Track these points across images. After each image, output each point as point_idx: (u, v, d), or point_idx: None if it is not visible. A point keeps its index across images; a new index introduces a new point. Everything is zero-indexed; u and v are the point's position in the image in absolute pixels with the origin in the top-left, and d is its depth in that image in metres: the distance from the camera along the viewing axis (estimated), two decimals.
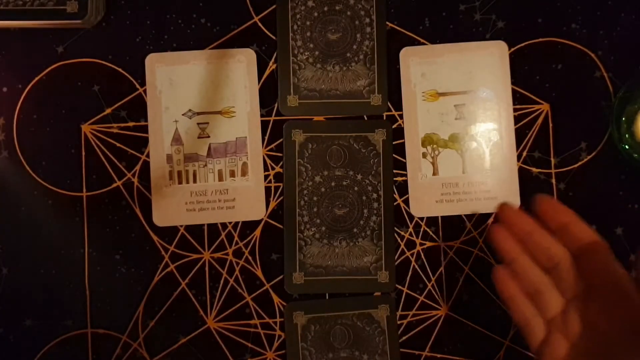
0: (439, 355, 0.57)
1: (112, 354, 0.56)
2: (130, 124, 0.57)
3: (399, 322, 0.57)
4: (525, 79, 0.58)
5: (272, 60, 0.57)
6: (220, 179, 0.57)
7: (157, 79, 0.57)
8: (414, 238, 0.57)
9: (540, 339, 0.46)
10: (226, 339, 0.57)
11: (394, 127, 0.57)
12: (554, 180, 0.57)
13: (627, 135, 0.55)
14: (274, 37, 0.57)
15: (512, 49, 0.57)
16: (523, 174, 0.57)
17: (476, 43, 0.57)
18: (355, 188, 0.57)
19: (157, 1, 0.57)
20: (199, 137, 0.57)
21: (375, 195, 0.57)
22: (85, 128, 0.57)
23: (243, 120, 0.57)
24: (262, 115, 0.57)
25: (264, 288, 0.57)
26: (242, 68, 0.57)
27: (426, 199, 0.57)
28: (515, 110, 0.57)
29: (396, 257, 0.57)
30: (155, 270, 0.57)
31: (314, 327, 0.57)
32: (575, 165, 0.57)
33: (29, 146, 0.57)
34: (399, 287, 0.57)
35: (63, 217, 0.57)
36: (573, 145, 0.57)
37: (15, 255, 0.57)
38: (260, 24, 0.58)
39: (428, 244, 0.57)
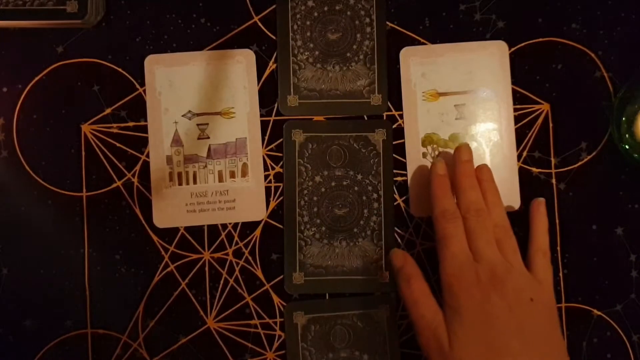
0: None
1: (112, 354, 0.56)
2: (130, 123, 0.57)
3: (399, 322, 0.57)
4: (525, 79, 0.58)
5: (272, 60, 0.57)
6: (221, 180, 0.57)
7: (157, 80, 0.57)
8: (414, 238, 0.57)
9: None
10: (226, 339, 0.57)
11: (394, 127, 0.57)
12: (554, 180, 0.57)
13: (627, 135, 0.55)
14: (274, 37, 0.57)
15: (512, 49, 0.57)
16: (523, 174, 0.57)
17: (476, 43, 0.57)
18: (356, 188, 0.57)
19: (157, 1, 0.57)
20: (198, 138, 0.57)
21: (375, 195, 0.57)
22: (85, 128, 0.57)
23: (243, 121, 0.57)
24: (262, 115, 0.57)
25: (264, 288, 0.57)
26: (241, 69, 0.57)
27: (426, 199, 0.57)
28: (515, 110, 0.57)
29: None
30: (155, 270, 0.57)
31: (314, 327, 0.57)
32: (575, 165, 0.57)
33: (28, 146, 0.57)
34: None
35: (63, 217, 0.57)
36: (573, 145, 0.57)
37: (15, 255, 0.57)
38: (260, 24, 0.58)
39: (428, 244, 0.57)
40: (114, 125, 0.57)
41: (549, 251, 0.54)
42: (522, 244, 0.56)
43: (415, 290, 0.52)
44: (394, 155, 0.57)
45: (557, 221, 0.57)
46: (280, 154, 0.57)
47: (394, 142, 0.57)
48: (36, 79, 0.57)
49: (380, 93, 0.57)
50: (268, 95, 0.57)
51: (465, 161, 0.55)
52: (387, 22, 0.58)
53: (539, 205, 0.55)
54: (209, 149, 0.57)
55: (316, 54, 0.57)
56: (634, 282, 0.57)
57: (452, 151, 0.57)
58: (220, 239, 0.57)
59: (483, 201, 0.53)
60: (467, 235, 0.52)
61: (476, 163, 0.57)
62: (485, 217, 0.53)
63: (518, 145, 0.57)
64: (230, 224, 0.57)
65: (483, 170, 0.55)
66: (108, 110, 0.57)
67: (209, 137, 0.57)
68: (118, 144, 0.57)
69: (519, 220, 0.57)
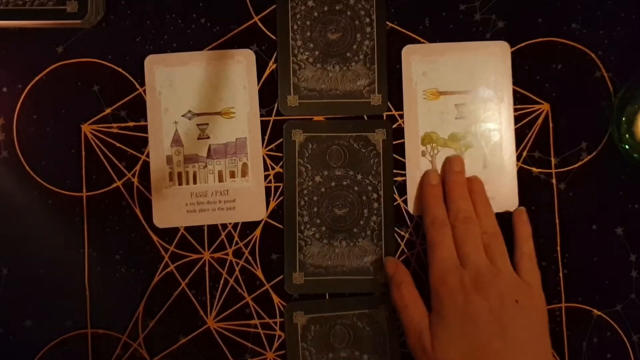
0: None
1: (112, 354, 0.56)
2: (130, 123, 0.57)
3: (399, 322, 0.57)
4: (526, 79, 0.58)
5: (272, 60, 0.57)
6: (221, 179, 0.57)
7: (157, 80, 0.57)
8: (414, 238, 0.57)
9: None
10: (226, 339, 0.57)
11: (394, 127, 0.57)
12: (554, 180, 0.57)
13: (627, 135, 0.55)
14: (274, 37, 0.57)
15: (513, 49, 0.57)
16: (523, 174, 0.57)
17: (478, 43, 0.57)
18: (355, 188, 0.57)
19: (157, 1, 0.57)
20: (198, 138, 0.57)
21: (375, 195, 0.57)
22: (85, 128, 0.57)
23: (243, 121, 0.57)
24: (262, 115, 0.57)
25: (264, 288, 0.57)
26: (241, 69, 0.57)
27: None
28: (515, 110, 0.57)
29: (396, 257, 0.57)
30: (155, 270, 0.57)
31: (314, 327, 0.57)
32: (576, 165, 0.57)
33: (29, 146, 0.57)
34: None
35: (63, 217, 0.57)
36: (573, 145, 0.57)
37: (15, 255, 0.57)
38: (260, 24, 0.58)
39: None
40: (114, 125, 0.57)
41: (534, 256, 0.55)
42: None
43: (405, 296, 0.54)
44: (394, 155, 0.57)
45: (557, 221, 0.57)
46: (280, 154, 0.57)
47: (394, 142, 0.57)
48: (36, 79, 0.57)
49: (380, 93, 0.57)
50: (268, 95, 0.57)
51: (457, 172, 0.56)
52: (387, 22, 0.58)
53: (520, 214, 0.56)
54: (209, 149, 0.57)
55: (316, 54, 0.57)
56: (634, 282, 0.57)
57: (453, 151, 0.57)
58: (220, 239, 0.57)
59: (472, 210, 0.55)
60: (455, 243, 0.53)
61: (476, 163, 0.57)
62: (474, 225, 0.54)
63: (518, 145, 0.57)
64: (230, 224, 0.57)
65: (474, 182, 0.56)
66: (108, 110, 0.57)
67: (209, 137, 0.57)
68: (118, 144, 0.57)
69: None
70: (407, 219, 0.57)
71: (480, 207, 0.55)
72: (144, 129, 0.57)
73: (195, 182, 0.57)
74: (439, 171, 0.57)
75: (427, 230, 0.55)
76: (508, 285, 0.52)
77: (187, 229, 0.57)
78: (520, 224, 0.56)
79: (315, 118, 0.57)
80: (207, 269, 0.57)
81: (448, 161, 0.57)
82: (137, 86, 0.57)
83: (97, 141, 0.57)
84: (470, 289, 0.51)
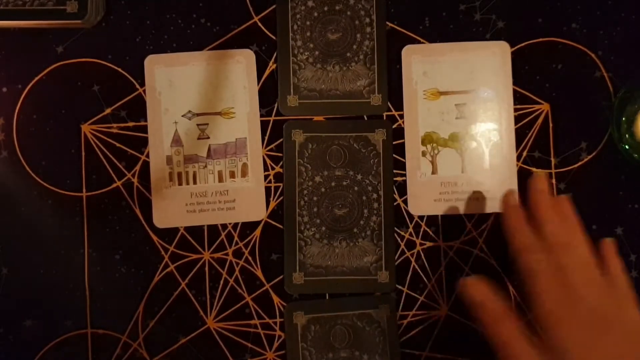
0: (439, 355, 0.57)
1: (112, 354, 0.56)
2: (130, 123, 0.57)
3: (399, 322, 0.57)
4: (526, 79, 0.58)
5: (272, 60, 0.57)
6: (221, 180, 0.57)
7: (157, 80, 0.57)
8: (414, 238, 0.57)
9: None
10: (226, 339, 0.57)
11: (394, 127, 0.57)
12: (554, 180, 0.57)
13: (627, 135, 0.55)
14: (274, 37, 0.57)
15: (513, 49, 0.57)
16: (523, 174, 0.57)
17: (478, 43, 0.57)
18: (355, 188, 0.57)
19: (157, 1, 0.57)
20: (198, 139, 0.57)
21: (375, 196, 0.57)
22: (85, 128, 0.57)
23: (243, 121, 0.57)
24: (262, 116, 0.57)
25: (264, 288, 0.57)
26: (241, 69, 0.57)
27: (424, 197, 0.57)
28: (515, 110, 0.57)
29: (396, 257, 0.57)
30: (155, 270, 0.57)
31: (314, 327, 0.57)
32: (575, 165, 0.57)
33: (28, 146, 0.57)
34: (399, 287, 0.57)
35: (63, 217, 0.57)
36: (573, 145, 0.57)
37: (15, 255, 0.57)
38: (260, 24, 0.58)
39: (428, 244, 0.57)
40: (114, 125, 0.57)
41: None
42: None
43: (506, 332, 0.47)
44: (394, 155, 0.57)
45: None
46: (280, 154, 0.57)
47: (394, 142, 0.57)
48: (36, 79, 0.57)
49: (380, 93, 0.57)
50: (268, 95, 0.57)
51: (541, 190, 0.52)
52: (387, 22, 0.58)
53: (610, 246, 0.52)
54: (209, 149, 0.57)
55: (316, 54, 0.57)
56: (634, 282, 0.57)
57: (453, 151, 0.57)
58: (220, 239, 0.57)
59: (565, 234, 0.50)
60: (558, 272, 0.48)
61: (476, 162, 0.57)
62: (574, 252, 0.49)
63: (518, 145, 0.57)
64: (230, 224, 0.57)
65: (563, 203, 0.52)
66: (108, 110, 0.57)
67: (209, 137, 0.57)
68: (118, 144, 0.57)
69: None
70: (407, 219, 0.57)
71: (573, 233, 0.50)
72: (144, 129, 0.57)
73: (195, 182, 0.57)
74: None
75: (520, 257, 0.49)
76: (628, 327, 0.47)
77: (187, 229, 0.57)
78: (611, 256, 0.51)
79: (315, 118, 0.57)
80: (207, 269, 0.57)
81: (532, 179, 0.53)
82: (137, 86, 0.57)
83: (97, 141, 0.57)
84: (595, 328, 0.46)
